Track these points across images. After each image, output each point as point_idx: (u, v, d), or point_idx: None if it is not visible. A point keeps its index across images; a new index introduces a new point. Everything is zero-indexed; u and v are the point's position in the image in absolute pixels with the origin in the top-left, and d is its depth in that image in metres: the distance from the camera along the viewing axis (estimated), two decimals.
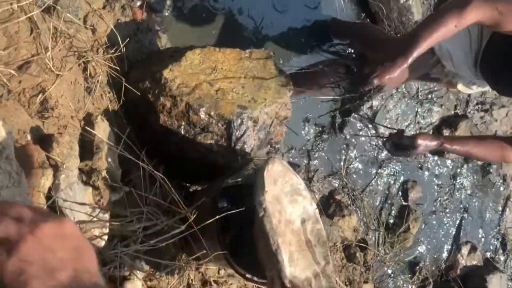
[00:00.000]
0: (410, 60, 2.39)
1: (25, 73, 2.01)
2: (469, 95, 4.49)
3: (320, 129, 3.77)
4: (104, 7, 2.55)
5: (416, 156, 3.88)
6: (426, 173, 4.45)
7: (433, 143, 2.57)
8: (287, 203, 2.09)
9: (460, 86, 3.00)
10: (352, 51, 3.63)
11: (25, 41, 2.05)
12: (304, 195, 2.14)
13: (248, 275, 2.16)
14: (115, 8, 2.63)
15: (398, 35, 3.77)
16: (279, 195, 2.07)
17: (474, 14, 2.36)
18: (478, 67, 2.72)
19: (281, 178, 2.10)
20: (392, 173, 4.20)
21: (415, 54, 2.39)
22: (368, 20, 3.90)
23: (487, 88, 2.93)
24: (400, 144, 2.58)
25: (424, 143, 2.54)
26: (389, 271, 4.22)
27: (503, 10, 2.33)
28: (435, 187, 4.54)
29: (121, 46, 2.47)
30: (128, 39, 2.55)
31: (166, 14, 2.94)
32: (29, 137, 1.90)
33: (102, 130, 2.19)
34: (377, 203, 4.14)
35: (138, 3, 2.81)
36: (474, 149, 2.68)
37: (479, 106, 4.63)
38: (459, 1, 2.38)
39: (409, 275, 4.36)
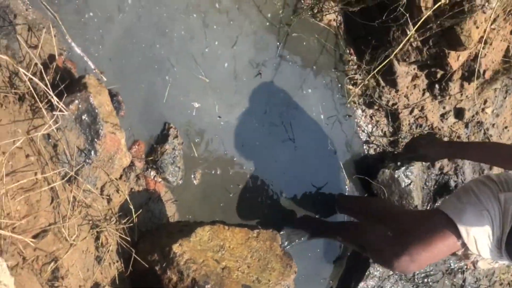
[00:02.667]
0: (458, 155, 2.62)
1: (40, 241, 2.06)
2: (464, 281, 4.54)
3: None
4: (120, 177, 2.66)
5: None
6: None
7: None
8: None
9: (480, 264, 3.11)
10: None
11: (45, 210, 2.13)
12: None
13: None
14: (130, 177, 2.74)
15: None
16: None
17: None
18: (503, 250, 2.80)
19: None
20: None
21: (463, 153, 2.61)
22: None
23: (509, 262, 3.00)
24: None
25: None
26: None
27: None
28: None
29: (134, 216, 2.54)
30: (140, 209, 2.63)
31: (178, 185, 3.04)
32: None
33: None
34: None
35: (152, 173, 2.92)
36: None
37: None
38: None
39: None
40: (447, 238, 2.84)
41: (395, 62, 3.71)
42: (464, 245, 2.85)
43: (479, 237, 2.78)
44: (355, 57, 3.88)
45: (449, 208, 2.91)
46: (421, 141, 3.31)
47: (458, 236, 2.82)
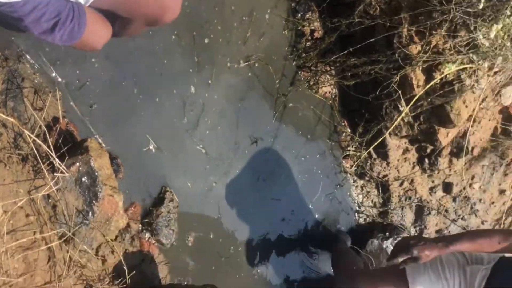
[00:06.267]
0: (450, 247, 2.61)
1: None
2: None
3: None
4: (116, 238, 2.72)
5: None
6: None
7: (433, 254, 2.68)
8: None
9: None
10: None
11: (42, 269, 2.18)
12: None
13: None
14: (125, 238, 2.79)
15: None
16: None
17: None
18: None
19: None
20: None
21: (455, 245, 2.61)
22: None
23: None
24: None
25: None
26: None
27: None
28: None
29: (127, 277, 2.59)
30: (133, 271, 2.68)
31: (172, 247, 3.10)
32: None
33: None
34: None
35: (147, 235, 2.98)
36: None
37: None
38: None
39: None
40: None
41: (387, 136, 3.82)
42: None
43: None
44: (348, 129, 4.00)
45: (410, 266, 2.97)
46: (412, 241, 3.20)
47: None
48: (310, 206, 3.88)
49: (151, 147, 3.02)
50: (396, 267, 2.85)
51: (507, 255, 2.93)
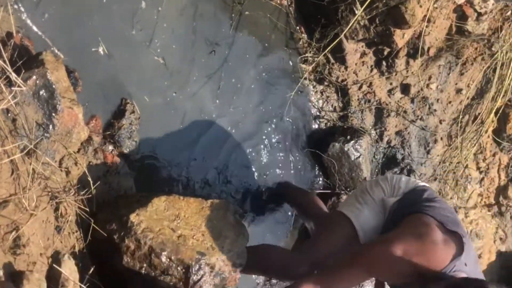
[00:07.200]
0: None
1: (2, 211, 2.15)
2: None
3: None
4: (78, 151, 2.74)
5: None
6: None
7: None
8: None
9: None
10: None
11: (6, 181, 2.20)
12: None
13: None
14: (88, 151, 2.82)
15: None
16: None
17: None
18: None
19: None
20: None
21: None
22: (321, 177, 4.22)
23: None
24: None
25: None
26: None
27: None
28: None
29: (92, 188, 2.63)
30: (98, 181, 2.72)
31: (135, 159, 3.13)
32: (1, 273, 2.01)
33: (68, 268, 2.31)
34: None
35: (110, 147, 3.01)
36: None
37: None
38: None
39: None
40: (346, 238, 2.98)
41: (344, 40, 3.85)
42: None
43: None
44: (305, 35, 4.02)
45: (348, 209, 3.05)
46: None
47: (356, 235, 2.96)
48: (269, 111, 3.92)
49: (100, 49, 2.99)
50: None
51: (421, 185, 3.00)
